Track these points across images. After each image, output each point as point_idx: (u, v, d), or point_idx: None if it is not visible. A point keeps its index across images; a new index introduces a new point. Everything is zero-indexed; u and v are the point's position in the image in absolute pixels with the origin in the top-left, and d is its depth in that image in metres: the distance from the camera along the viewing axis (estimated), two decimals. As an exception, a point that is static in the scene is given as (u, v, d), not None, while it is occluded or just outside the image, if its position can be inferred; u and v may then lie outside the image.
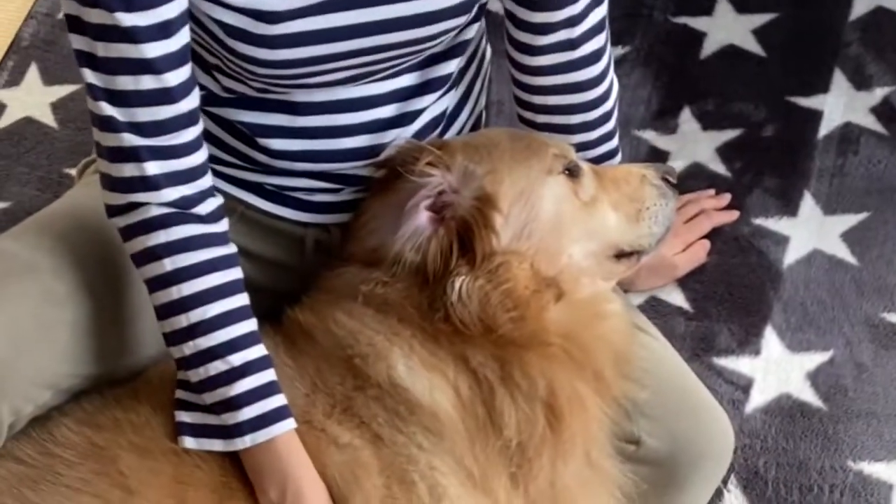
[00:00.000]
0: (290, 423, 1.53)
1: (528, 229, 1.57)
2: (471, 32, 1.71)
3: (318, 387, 1.57)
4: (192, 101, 1.51)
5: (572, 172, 1.62)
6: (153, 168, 1.50)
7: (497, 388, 1.55)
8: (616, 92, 1.79)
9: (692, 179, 2.27)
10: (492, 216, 1.56)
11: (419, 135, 1.69)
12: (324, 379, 1.58)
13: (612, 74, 1.77)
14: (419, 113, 1.69)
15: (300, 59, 1.56)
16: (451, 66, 1.69)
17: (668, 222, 1.69)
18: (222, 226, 1.57)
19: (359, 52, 1.58)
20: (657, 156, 2.32)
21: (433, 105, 1.70)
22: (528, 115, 1.78)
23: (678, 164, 2.29)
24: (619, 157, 1.83)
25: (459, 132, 1.77)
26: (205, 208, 1.54)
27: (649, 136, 2.36)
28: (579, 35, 1.68)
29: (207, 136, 1.61)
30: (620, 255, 1.66)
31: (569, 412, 1.55)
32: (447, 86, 1.71)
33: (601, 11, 1.70)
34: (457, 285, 1.54)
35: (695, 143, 2.35)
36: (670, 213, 1.69)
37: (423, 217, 1.56)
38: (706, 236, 2.16)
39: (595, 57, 1.72)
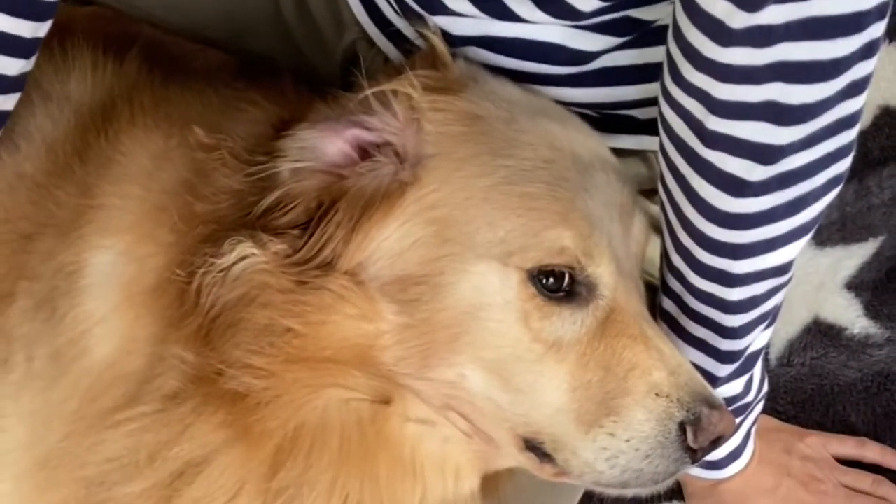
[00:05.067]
0: None
1: (416, 292, 1.03)
2: None
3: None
4: None
5: (554, 283, 1.04)
6: None
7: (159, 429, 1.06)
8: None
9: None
10: (383, 222, 1.04)
11: None
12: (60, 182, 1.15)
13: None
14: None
15: None
16: None
17: (640, 481, 1.05)
18: None
19: None
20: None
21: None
22: None
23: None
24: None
25: None
26: None
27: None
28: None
29: None
30: (533, 447, 1.07)
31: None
32: None
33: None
34: (236, 252, 1.02)
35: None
36: (652, 472, 1.04)
37: (336, 143, 1.06)
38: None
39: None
